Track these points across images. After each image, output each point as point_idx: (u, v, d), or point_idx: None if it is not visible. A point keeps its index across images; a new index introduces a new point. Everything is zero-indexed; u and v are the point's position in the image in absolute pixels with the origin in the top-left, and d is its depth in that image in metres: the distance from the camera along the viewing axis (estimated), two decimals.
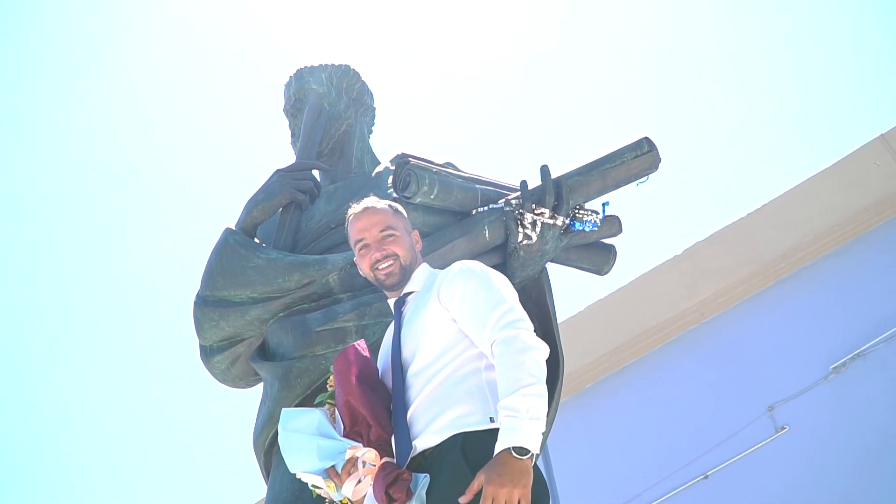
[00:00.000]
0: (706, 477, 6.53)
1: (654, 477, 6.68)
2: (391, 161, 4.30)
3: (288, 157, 4.39)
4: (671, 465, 6.66)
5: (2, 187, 10.85)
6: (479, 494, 2.57)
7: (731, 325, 7.03)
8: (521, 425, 2.60)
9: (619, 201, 3.80)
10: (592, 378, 7.27)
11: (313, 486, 2.93)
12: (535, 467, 2.65)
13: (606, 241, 3.87)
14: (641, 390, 7.11)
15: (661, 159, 3.67)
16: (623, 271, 3.94)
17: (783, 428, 6.45)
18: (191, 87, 10.96)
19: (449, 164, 3.88)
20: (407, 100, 10.09)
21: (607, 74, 10.84)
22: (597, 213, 3.63)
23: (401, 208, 3.24)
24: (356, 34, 10.70)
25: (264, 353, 3.82)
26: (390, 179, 4.03)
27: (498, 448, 2.59)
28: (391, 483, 2.71)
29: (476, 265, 3.02)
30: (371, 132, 4.57)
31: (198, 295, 3.90)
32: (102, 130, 10.85)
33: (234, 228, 3.98)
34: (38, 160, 10.83)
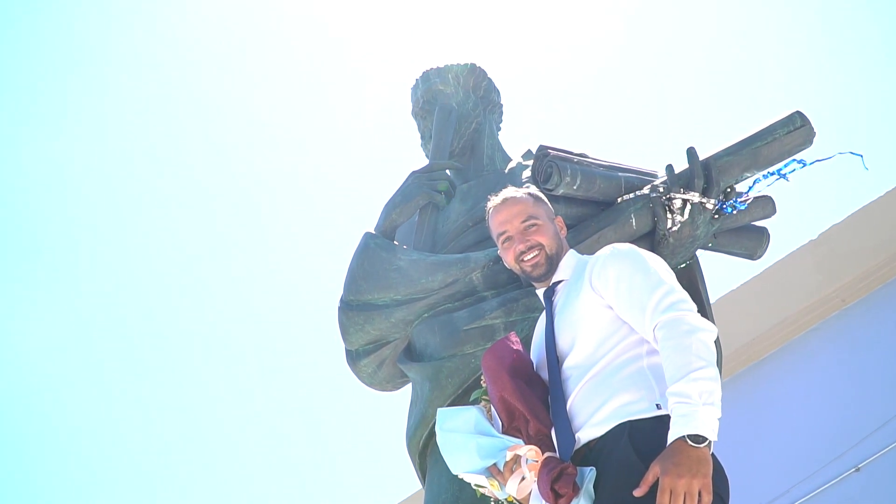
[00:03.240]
0: (858, 469, 6.27)
1: (802, 472, 6.42)
2: (523, 156, 4.26)
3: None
4: (819, 459, 6.40)
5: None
6: (654, 487, 2.48)
7: (876, 309, 6.72)
8: (695, 411, 2.48)
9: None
10: (730, 372, 7.04)
11: (476, 485, 2.88)
12: (714, 456, 2.54)
13: (758, 223, 3.74)
14: (783, 382, 6.86)
15: (815, 133, 3.52)
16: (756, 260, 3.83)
17: None
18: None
19: (584, 155, 3.81)
20: (529, 94, 9.95)
21: (737, 48, 10.48)
22: (747, 193, 3.50)
23: (541, 195, 3.16)
24: (473, 30, 10.64)
25: (411, 354, 3.82)
26: (524, 173, 3.98)
27: (671, 437, 2.48)
28: (556, 478, 2.63)
29: (627, 247, 2.93)
30: (500, 129, 4.55)
31: (341, 300, 3.92)
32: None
33: (373, 232, 3.99)
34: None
